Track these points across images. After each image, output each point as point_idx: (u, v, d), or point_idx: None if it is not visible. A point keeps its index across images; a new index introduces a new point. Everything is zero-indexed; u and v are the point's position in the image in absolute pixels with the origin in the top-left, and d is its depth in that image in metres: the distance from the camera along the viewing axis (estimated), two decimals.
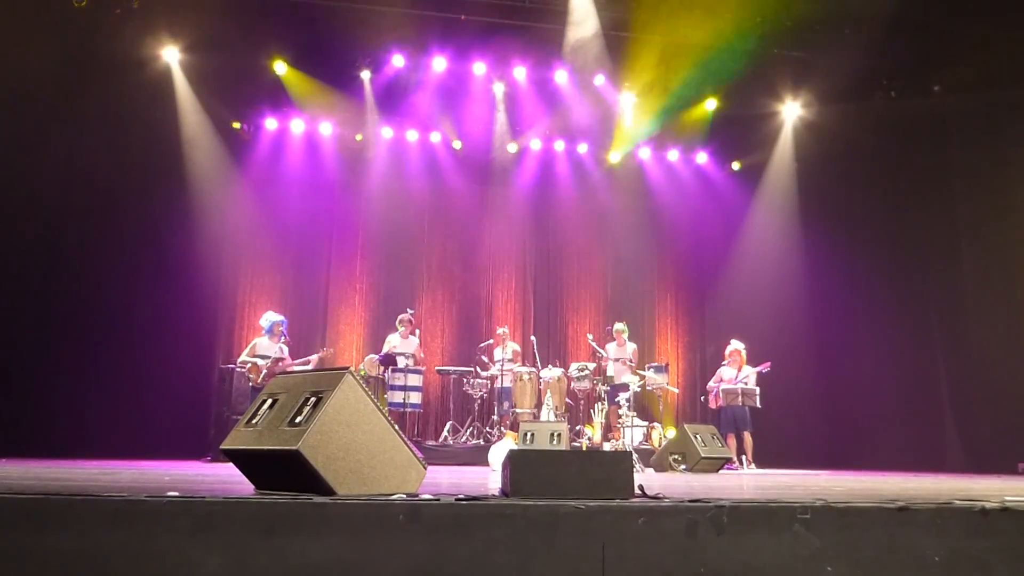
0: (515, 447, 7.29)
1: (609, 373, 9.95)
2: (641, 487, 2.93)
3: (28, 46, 9.16)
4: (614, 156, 12.61)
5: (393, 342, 10.20)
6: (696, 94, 11.61)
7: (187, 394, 10.06)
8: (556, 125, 12.22)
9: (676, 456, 7.79)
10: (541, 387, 9.91)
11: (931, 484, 5.52)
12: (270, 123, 11.53)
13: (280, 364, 9.04)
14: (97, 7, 9.70)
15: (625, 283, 12.75)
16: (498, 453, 7.92)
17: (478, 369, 10.43)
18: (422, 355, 10.46)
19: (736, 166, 12.86)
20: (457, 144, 12.22)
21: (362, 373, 9.88)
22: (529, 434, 7.55)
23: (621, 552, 2.42)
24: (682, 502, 2.58)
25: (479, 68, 11.48)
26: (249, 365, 9.04)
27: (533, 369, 10.10)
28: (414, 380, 9.95)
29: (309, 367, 9.08)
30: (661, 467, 7.91)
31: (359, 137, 11.86)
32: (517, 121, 12.17)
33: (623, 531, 2.45)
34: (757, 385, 9.75)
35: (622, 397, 8.87)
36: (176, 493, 2.44)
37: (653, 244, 12.93)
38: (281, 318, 9.37)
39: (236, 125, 11.41)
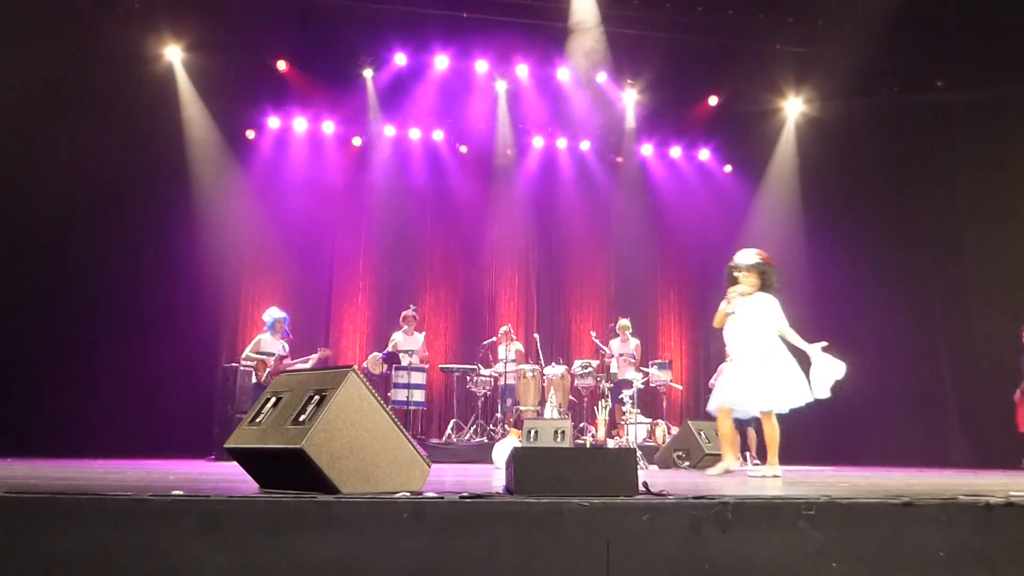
0: (519, 445, 7.28)
1: (612, 370, 9.95)
2: (645, 484, 2.92)
3: (31, 45, 9.19)
4: (616, 153, 12.61)
5: (397, 340, 10.20)
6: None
7: (191, 393, 10.08)
8: (559, 122, 12.22)
9: (680, 453, 7.79)
10: (545, 384, 9.90)
11: (936, 479, 5.52)
12: (272, 122, 11.52)
13: (283, 362, 9.06)
14: (100, 6, 9.73)
15: (628, 280, 12.73)
16: (502, 451, 7.90)
17: (481, 367, 10.43)
18: (426, 353, 10.46)
19: (728, 168, 12.85)
20: (464, 148, 12.25)
21: (366, 368, 9.89)
22: (533, 431, 7.55)
23: (625, 549, 2.42)
24: (686, 499, 2.58)
25: (481, 66, 11.48)
26: (256, 362, 9.06)
27: (537, 366, 10.09)
28: (418, 378, 9.96)
29: (308, 366, 9.13)
30: (665, 464, 7.91)
31: (357, 142, 11.88)
32: (520, 118, 12.16)
33: (627, 528, 2.45)
34: None
35: (626, 394, 8.86)
36: (181, 492, 2.45)
37: (656, 241, 12.91)
38: (284, 315, 9.38)
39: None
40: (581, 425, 9.90)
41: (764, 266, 5.99)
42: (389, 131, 11.95)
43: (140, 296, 10.16)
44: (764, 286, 6.00)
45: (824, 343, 6.03)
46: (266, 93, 11.16)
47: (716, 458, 7.70)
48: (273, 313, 9.35)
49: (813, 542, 2.51)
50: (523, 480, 2.75)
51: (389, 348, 10.14)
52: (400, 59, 11.17)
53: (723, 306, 6.06)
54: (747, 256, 6.03)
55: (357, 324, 11.82)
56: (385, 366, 9.92)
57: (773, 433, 5.87)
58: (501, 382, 10.21)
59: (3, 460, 6.59)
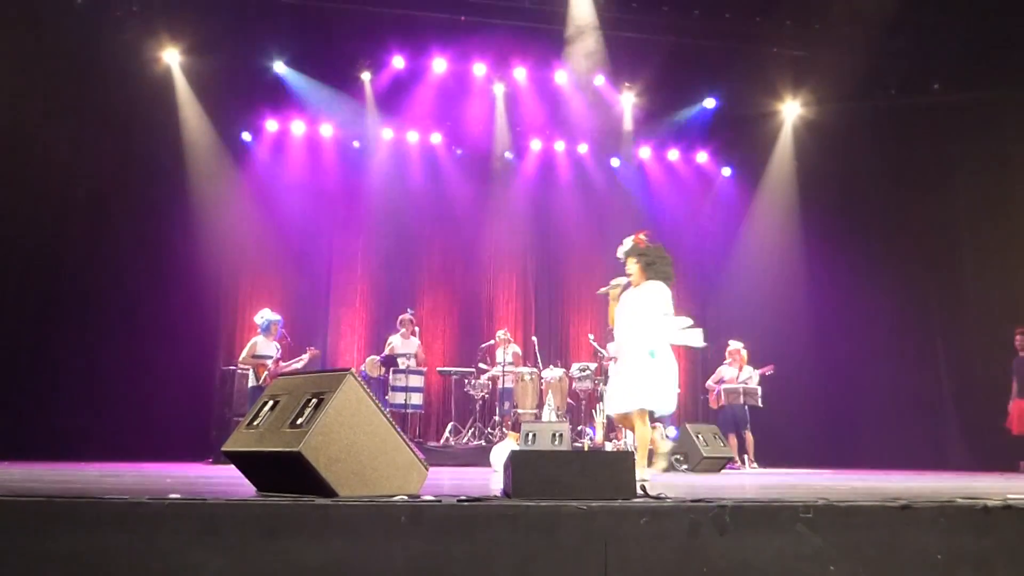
0: (517, 448, 7.28)
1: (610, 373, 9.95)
2: (643, 487, 2.93)
3: (30, 46, 9.18)
4: (614, 156, 12.63)
5: (394, 343, 10.20)
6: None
7: (188, 396, 10.05)
8: (556, 125, 12.22)
9: (678, 456, 7.79)
10: (543, 387, 9.90)
11: (933, 482, 5.53)
12: (270, 124, 11.51)
13: (279, 364, 9.07)
14: (98, 8, 9.72)
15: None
16: (500, 454, 7.88)
17: (482, 366, 10.43)
18: (424, 355, 10.45)
19: (726, 171, 12.85)
20: (460, 152, 12.26)
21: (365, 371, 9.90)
22: (531, 434, 7.56)
23: (623, 552, 2.42)
24: (684, 502, 2.58)
25: (479, 69, 11.49)
26: (257, 366, 9.06)
27: (535, 369, 10.09)
28: (415, 381, 9.95)
29: (301, 366, 9.16)
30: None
31: (355, 144, 11.88)
32: (517, 121, 12.16)
33: (625, 531, 2.45)
34: (759, 384, 9.75)
35: None
36: (178, 495, 2.44)
37: (654, 243, 12.90)
38: (279, 318, 9.37)
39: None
40: (579, 428, 9.89)
41: (639, 250, 5.58)
42: (387, 134, 11.94)
43: (137, 299, 10.12)
44: (653, 273, 5.57)
45: (683, 319, 5.68)
46: (264, 96, 11.15)
47: (713, 461, 7.73)
48: (266, 315, 9.33)
49: (811, 545, 2.51)
50: (521, 483, 2.75)
51: (386, 351, 10.14)
52: (398, 62, 11.18)
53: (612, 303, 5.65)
54: (623, 244, 5.64)
55: (355, 327, 11.81)
56: (383, 369, 9.92)
57: (644, 434, 5.37)
58: (499, 385, 10.20)
59: (0, 463, 6.58)
